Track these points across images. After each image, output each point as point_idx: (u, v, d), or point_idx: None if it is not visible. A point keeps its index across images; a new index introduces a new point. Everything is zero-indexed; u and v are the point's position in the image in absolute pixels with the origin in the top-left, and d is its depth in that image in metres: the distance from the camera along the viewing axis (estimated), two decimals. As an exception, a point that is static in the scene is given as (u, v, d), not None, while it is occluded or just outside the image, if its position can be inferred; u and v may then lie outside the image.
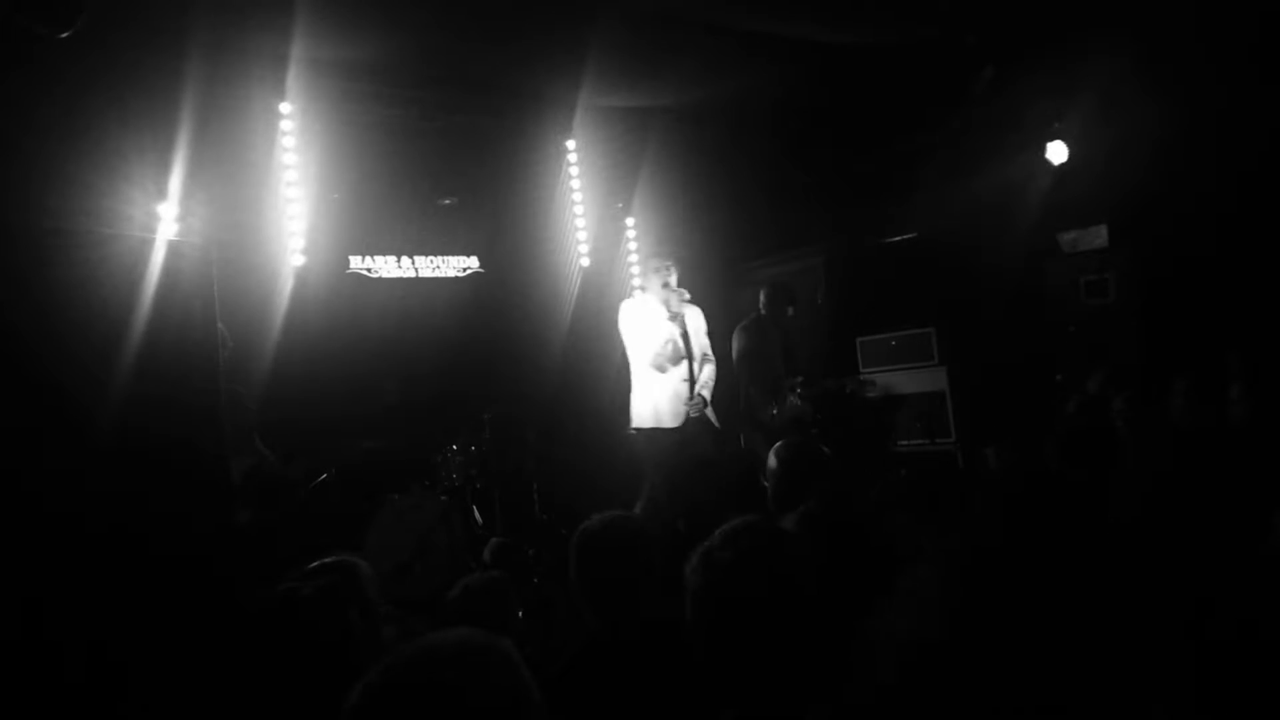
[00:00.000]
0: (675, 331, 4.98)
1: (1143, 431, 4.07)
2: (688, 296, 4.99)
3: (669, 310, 4.95)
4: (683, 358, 4.99)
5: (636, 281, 5.30)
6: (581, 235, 7.07)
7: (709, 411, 5.05)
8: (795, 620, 1.41)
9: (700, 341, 5.12)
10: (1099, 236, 6.50)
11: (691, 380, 4.99)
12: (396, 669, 1.09)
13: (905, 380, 6.55)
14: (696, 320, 5.14)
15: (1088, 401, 4.61)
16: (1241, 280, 5.70)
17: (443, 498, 5.27)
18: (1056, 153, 6.42)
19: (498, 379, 6.21)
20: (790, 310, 5.99)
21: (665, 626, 2.00)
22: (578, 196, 7.06)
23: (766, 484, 3.07)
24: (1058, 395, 5.69)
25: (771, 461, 3.01)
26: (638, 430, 5.07)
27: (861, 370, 6.71)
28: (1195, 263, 5.87)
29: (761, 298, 6.00)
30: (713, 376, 5.14)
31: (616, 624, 2.20)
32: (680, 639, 1.54)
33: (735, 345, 5.83)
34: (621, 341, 5.14)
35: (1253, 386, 4.08)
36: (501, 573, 2.86)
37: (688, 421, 4.96)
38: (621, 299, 5.47)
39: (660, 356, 4.97)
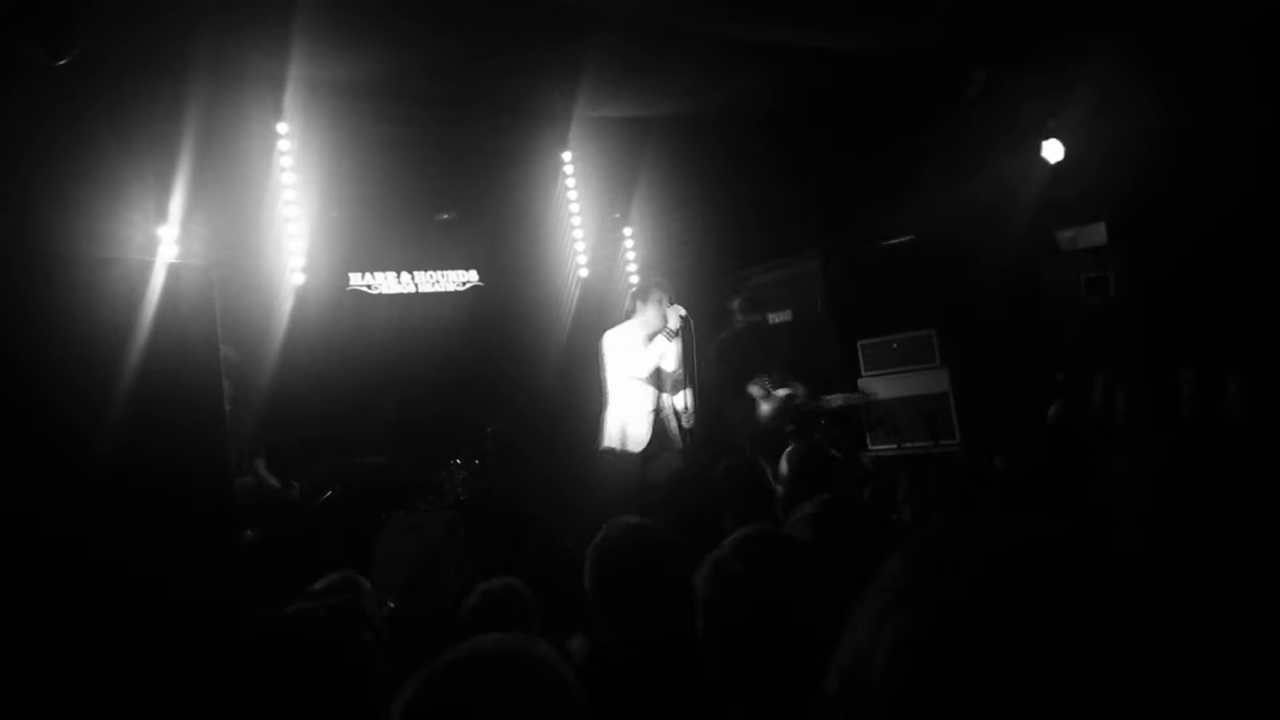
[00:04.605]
0: (673, 348, 5.11)
1: (1144, 427, 4.07)
2: (684, 312, 5.08)
3: (669, 328, 5.06)
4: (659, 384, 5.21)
5: (628, 305, 5.36)
6: (579, 246, 7.08)
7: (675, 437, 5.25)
8: (808, 630, 1.40)
9: (674, 369, 5.26)
10: (1098, 234, 6.49)
11: (658, 409, 5.21)
12: (446, 674, 1.07)
13: (907, 383, 6.53)
14: (680, 347, 5.23)
15: (1072, 402, 4.64)
16: (1240, 276, 5.69)
17: (450, 512, 5.25)
18: (1053, 151, 6.42)
19: (499, 391, 6.20)
20: (765, 319, 5.97)
21: (678, 637, 1.97)
22: (575, 208, 7.06)
23: (779, 487, 3.10)
24: (1060, 393, 5.67)
25: (784, 466, 3.06)
26: (608, 450, 5.22)
27: (862, 372, 6.69)
28: (1194, 259, 5.86)
29: (735, 311, 5.88)
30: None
31: (634, 635, 2.15)
32: (691, 650, 1.52)
33: (714, 358, 5.72)
34: (603, 369, 5.25)
35: (1251, 383, 4.07)
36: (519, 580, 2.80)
37: (651, 444, 5.17)
38: (620, 308, 5.48)
39: (652, 371, 5.13)
